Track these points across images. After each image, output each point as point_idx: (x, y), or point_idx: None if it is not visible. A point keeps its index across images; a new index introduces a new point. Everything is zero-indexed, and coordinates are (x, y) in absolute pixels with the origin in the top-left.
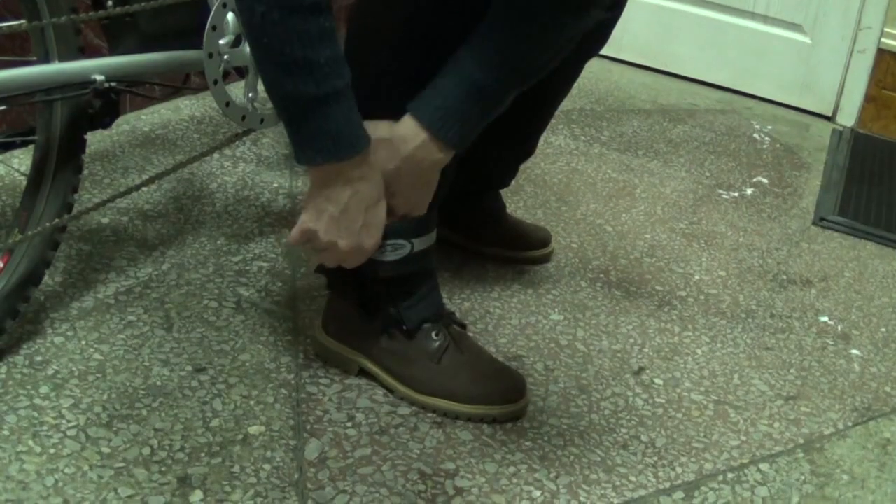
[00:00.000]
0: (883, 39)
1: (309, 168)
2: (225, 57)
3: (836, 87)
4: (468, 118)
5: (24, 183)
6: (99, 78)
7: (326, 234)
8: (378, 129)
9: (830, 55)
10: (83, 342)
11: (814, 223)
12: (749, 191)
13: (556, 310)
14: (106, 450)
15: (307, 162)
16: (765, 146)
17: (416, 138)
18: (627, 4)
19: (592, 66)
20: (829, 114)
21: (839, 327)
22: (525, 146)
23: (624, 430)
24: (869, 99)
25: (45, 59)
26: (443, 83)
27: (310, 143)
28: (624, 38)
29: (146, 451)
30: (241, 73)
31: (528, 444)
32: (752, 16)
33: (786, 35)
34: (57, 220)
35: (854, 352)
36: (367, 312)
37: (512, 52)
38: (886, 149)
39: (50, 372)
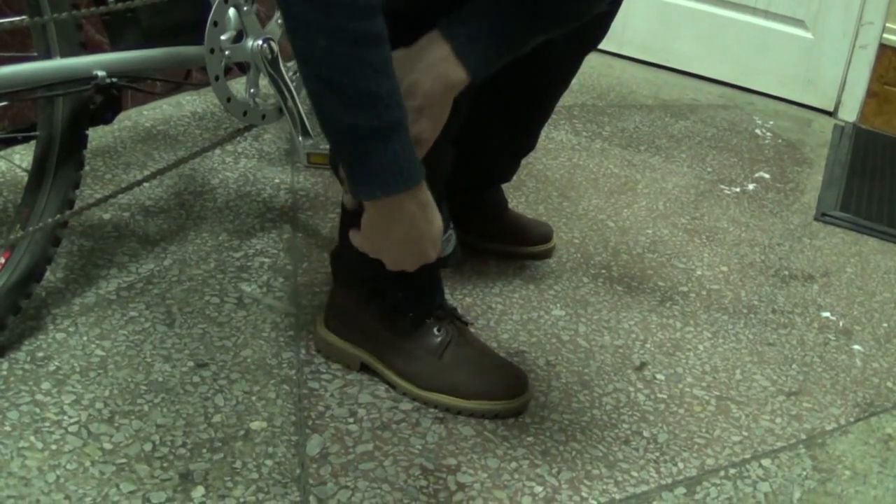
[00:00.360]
0: (885, 35)
1: (367, 203)
2: (226, 53)
3: (838, 83)
4: (489, 48)
5: (26, 179)
6: (100, 74)
7: (392, 264)
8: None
9: (832, 50)
10: (85, 338)
11: (815, 219)
12: (751, 186)
13: (558, 305)
14: (108, 446)
15: (367, 196)
16: (766, 141)
17: (439, 49)
18: (629, 0)
19: (593, 62)
20: (831, 109)
21: (841, 323)
22: (525, 140)
23: (626, 426)
24: (871, 94)
25: (47, 55)
26: (470, 12)
27: (370, 178)
28: (625, 34)
29: (148, 446)
30: (242, 68)
31: (529, 439)
32: (754, 11)
33: (787, 30)
34: (58, 215)
35: (856, 347)
36: (369, 301)
37: None
38: (888, 144)
39: (51, 368)
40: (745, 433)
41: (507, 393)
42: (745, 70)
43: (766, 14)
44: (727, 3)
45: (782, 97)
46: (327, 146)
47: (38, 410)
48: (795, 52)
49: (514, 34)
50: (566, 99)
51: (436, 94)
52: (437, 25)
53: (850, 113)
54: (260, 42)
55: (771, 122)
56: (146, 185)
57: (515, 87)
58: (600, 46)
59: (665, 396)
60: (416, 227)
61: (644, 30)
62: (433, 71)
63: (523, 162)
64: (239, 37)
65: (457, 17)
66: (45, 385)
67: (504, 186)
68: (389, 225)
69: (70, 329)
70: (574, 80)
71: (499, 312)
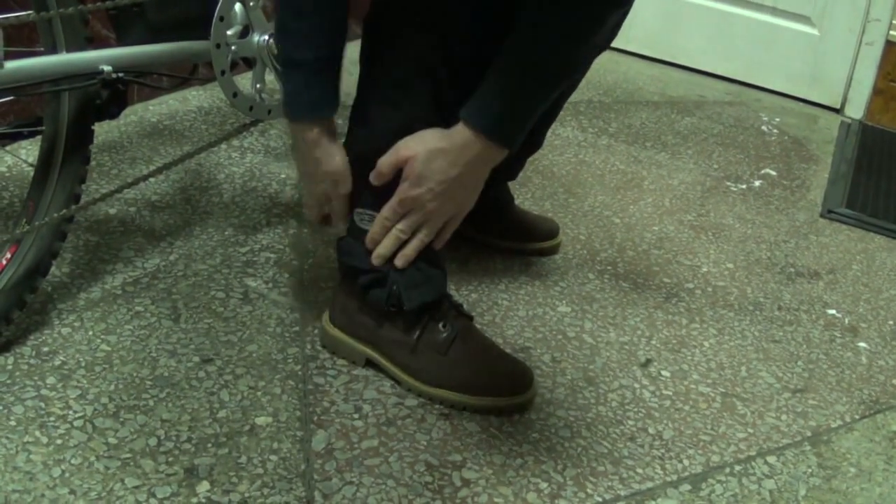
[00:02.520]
0: (891, 32)
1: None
2: (232, 48)
3: (845, 80)
4: (519, 117)
5: (32, 174)
6: (107, 69)
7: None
8: (428, 139)
9: (839, 47)
10: (90, 333)
11: (821, 215)
12: (757, 183)
13: (564, 301)
14: (113, 440)
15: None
16: (773, 138)
17: (475, 145)
18: None
19: (600, 58)
20: (838, 106)
21: (847, 320)
22: (532, 139)
23: (631, 423)
24: (877, 91)
25: (53, 50)
26: (490, 86)
27: (282, 98)
28: (632, 30)
29: (153, 441)
30: (248, 63)
31: (535, 435)
32: (761, 7)
33: (794, 27)
34: (64, 210)
35: (861, 344)
36: (371, 295)
37: (555, 49)
38: (894, 141)
39: (57, 362)
40: (751, 430)
41: (512, 389)
42: (752, 66)
43: (773, 10)
44: None
45: (789, 94)
46: None
47: (43, 405)
48: (802, 49)
49: (540, 92)
50: (573, 95)
51: (479, 178)
52: (462, 115)
53: (856, 110)
54: (266, 37)
55: (777, 119)
56: (152, 179)
57: None
58: None
59: (670, 393)
60: (308, 158)
61: (651, 26)
62: (475, 164)
63: (529, 158)
64: (245, 32)
65: (479, 97)
66: (51, 380)
67: (510, 183)
68: (296, 147)
69: (75, 324)
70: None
71: (504, 308)
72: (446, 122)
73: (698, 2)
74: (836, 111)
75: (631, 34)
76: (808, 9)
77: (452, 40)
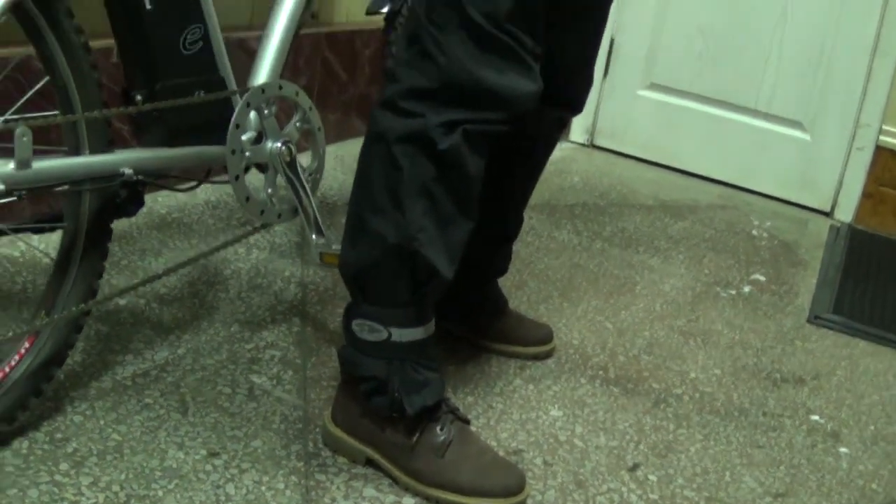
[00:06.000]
0: (881, 137)
1: None
2: (247, 153)
3: (835, 184)
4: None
5: (44, 260)
6: (128, 171)
7: None
8: None
9: (830, 152)
10: (101, 422)
11: (808, 321)
12: (746, 289)
13: (556, 405)
14: None
15: None
16: (763, 242)
17: None
18: (632, 100)
19: (597, 160)
20: (828, 209)
21: (829, 426)
22: (507, 228)
23: None
24: (866, 195)
25: (76, 150)
26: None
27: None
28: (628, 133)
29: None
30: (261, 168)
31: None
32: (754, 112)
33: (786, 132)
34: (82, 305)
35: (843, 450)
36: (372, 399)
37: None
38: (882, 244)
39: (70, 449)
40: None
41: (505, 491)
42: (744, 170)
43: (766, 116)
44: (728, 104)
45: (780, 197)
46: (339, 246)
47: (56, 490)
48: (793, 154)
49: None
50: (569, 198)
51: None
52: None
53: (845, 213)
54: (279, 144)
55: (768, 223)
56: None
57: (506, 176)
58: (603, 145)
59: (656, 497)
60: None
61: (647, 130)
62: None
63: (525, 261)
64: (259, 138)
65: None
66: (64, 466)
67: (506, 286)
68: None
69: (87, 412)
70: (577, 179)
71: (499, 412)
72: None
73: (693, 106)
74: (826, 214)
75: (627, 137)
76: (800, 114)
77: None
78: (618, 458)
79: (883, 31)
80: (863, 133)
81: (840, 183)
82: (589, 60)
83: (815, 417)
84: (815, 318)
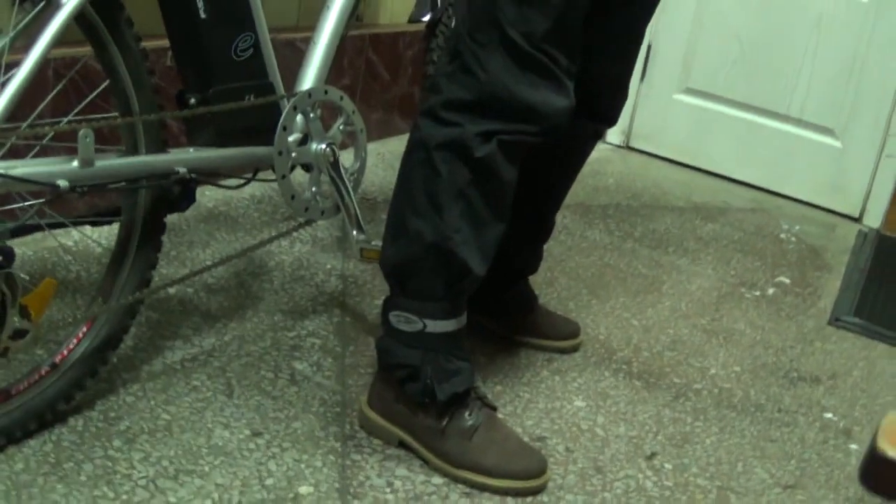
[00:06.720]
0: None
1: None
2: (293, 154)
3: (864, 190)
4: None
5: (97, 249)
6: (182, 170)
7: None
8: None
9: (859, 159)
10: (152, 402)
11: (829, 323)
12: (771, 290)
13: (580, 396)
14: (172, 499)
15: None
16: (790, 246)
17: None
18: (668, 103)
19: (631, 162)
20: (857, 215)
21: (842, 423)
22: (544, 226)
23: None
24: (895, 202)
25: (134, 150)
26: None
27: None
28: (663, 136)
29: (208, 502)
30: (306, 168)
31: None
32: (787, 119)
33: (817, 138)
34: (137, 293)
35: (853, 446)
36: (406, 386)
37: None
38: None
39: (122, 427)
40: None
41: (527, 474)
42: (776, 175)
43: (798, 122)
44: (761, 110)
45: (810, 202)
46: (378, 242)
47: (109, 464)
48: (824, 160)
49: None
50: (602, 198)
51: None
52: None
53: (874, 219)
54: (323, 146)
55: (797, 227)
56: (208, 262)
57: (540, 181)
58: (639, 147)
59: (671, 484)
60: None
61: (681, 133)
62: None
63: (557, 259)
64: (304, 140)
65: None
66: (117, 442)
67: (537, 283)
68: None
69: (139, 393)
70: (612, 180)
71: (525, 401)
72: None
73: (727, 111)
74: (855, 220)
75: (662, 140)
76: (831, 122)
77: None
78: (636, 446)
79: None
80: (892, 141)
81: (869, 189)
82: (624, 78)
83: (829, 415)
84: (835, 321)
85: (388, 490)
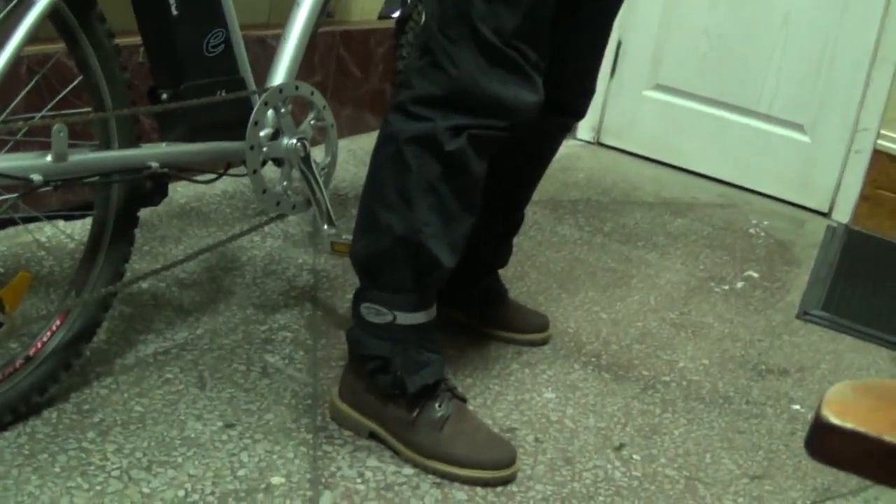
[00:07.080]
0: (879, 141)
1: None
2: (264, 149)
3: (833, 185)
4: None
5: (70, 244)
6: (154, 165)
7: None
8: None
9: (829, 154)
10: (125, 395)
11: (797, 317)
12: (739, 284)
13: (550, 388)
14: (146, 490)
15: None
16: (759, 241)
17: None
18: (637, 99)
19: (602, 158)
20: (825, 210)
21: (809, 415)
22: (517, 217)
23: (601, 499)
24: (864, 197)
25: (107, 145)
26: None
27: None
28: (633, 132)
29: (181, 493)
30: (278, 163)
31: None
32: (756, 114)
33: (786, 134)
34: (110, 287)
35: None
36: (377, 378)
37: None
38: (875, 245)
39: (96, 419)
40: None
41: (497, 465)
42: (745, 170)
43: (767, 118)
44: (730, 106)
45: (779, 197)
46: (349, 236)
47: (83, 455)
48: (793, 155)
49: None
50: (573, 193)
51: None
52: None
53: (843, 215)
54: (294, 141)
55: (766, 222)
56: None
57: (509, 175)
58: (609, 143)
59: (639, 474)
60: None
61: (651, 129)
62: None
63: (527, 254)
64: (275, 135)
65: None
66: (90, 434)
67: (508, 277)
68: None
69: (112, 386)
70: (582, 175)
71: (495, 393)
72: None
73: (696, 107)
74: (824, 215)
75: (632, 136)
76: (800, 117)
77: None
78: (605, 438)
79: (883, 38)
80: (861, 137)
81: (838, 185)
82: (592, 72)
83: (797, 407)
84: (804, 314)
85: (359, 480)
